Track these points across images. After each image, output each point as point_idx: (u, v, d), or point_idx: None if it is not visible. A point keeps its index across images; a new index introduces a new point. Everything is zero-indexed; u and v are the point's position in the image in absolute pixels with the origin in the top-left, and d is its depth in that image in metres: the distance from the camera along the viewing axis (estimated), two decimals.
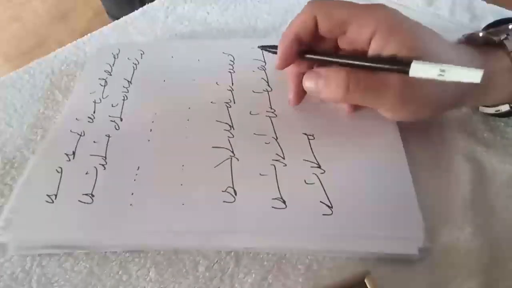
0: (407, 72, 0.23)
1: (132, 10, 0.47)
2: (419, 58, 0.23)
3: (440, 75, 0.22)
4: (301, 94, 0.31)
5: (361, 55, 0.26)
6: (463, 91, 0.26)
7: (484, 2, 0.43)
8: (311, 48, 0.28)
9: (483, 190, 0.27)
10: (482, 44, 0.27)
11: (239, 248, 0.25)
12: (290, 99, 0.31)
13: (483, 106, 0.30)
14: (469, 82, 0.22)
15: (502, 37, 0.26)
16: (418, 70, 0.23)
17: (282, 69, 0.29)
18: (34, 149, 0.33)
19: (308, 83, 0.28)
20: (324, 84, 0.26)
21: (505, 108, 0.28)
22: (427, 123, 0.31)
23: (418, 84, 0.24)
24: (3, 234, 0.26)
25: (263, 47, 0.32)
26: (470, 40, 0.28)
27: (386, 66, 0.24)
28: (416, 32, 0.25)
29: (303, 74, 0.29)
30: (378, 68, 0.25)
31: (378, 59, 0.25)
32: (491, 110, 0.29)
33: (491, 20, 0.31)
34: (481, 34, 0.27)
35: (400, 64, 0.24)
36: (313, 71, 0.28)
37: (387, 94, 0.25)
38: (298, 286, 0.23)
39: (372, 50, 0.25)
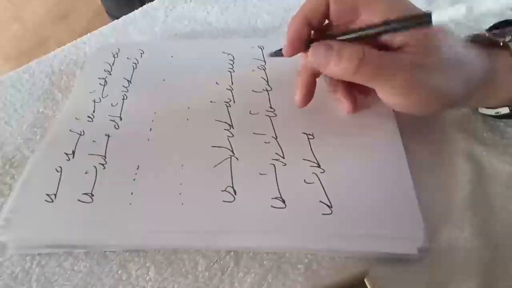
0: (430, 22, 0.22)
1: (132, 9, 0.47)
2: (432, 41, 0.23)
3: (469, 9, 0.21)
4: (309, 95, 0.30)
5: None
6: (470, 88, 0.26)
7: None
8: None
9: (483, 190, 0.27)
10: (487, 45, 0.27)
11: (238, 247, 0.25)
12: (297, 101, 0.30)
13: (484, 107, 0.30)
14: None
15: (507, 38, 0.26)
16: (441, 15, 0.21)
17: (290, 55, 0.28)
18: (33, 148, 0.33)
19: (316, 55, 0.25)
20: (336, 56, 0.24)
21: (504, 110, 0.28)
22: (428, 123, 0.31)
23: (429, 70, 0.24)
24: (2, 233, 0.26)
25: (274, 54, 0.30)
26: (474, 41, 0.28)
27: (408, 23, 0.23)
28: None
29: (313, 75, 0.28)
30: (400, 28, 0.23)
31: (397, 20, 0.24)
32: (491, 112, 0.29)
33: (490, 20, 0.31)
34: (485, 35, 0.27)
35: (420, 18, 0.22)
36: (323, 42, 0.26)
37: (398, 74, 0.24)
38: (297, 286, 0.23)
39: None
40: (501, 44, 0.26)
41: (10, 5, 1.57)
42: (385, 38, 0.25)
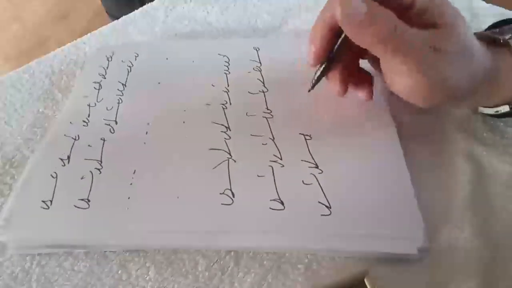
0: None
1: (132, 9, 0.47)
2: (458, 27, 0.23)
3: None
4: (323, 51, 0.27)
5: None
6: (476, 84, 0.25)
7: (484, 2, 0.43)
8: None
9: (483, 190, 0.27)
10: (487, 43, 0.27)
11: (238, 248, 0.25)
12: (309, 58, 0.28)
13: (484, 107, 0.30)
14: None
15: (507, 36, 0.26)
16: None
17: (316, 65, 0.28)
18: (33, 148, 0.33)
19: (347, 14, 0.23)
20: (369, 20, 0.23)
21: (504, 109, 0.28)
22: (428, 123, 0.31)
23: (444, 57, 0.23)
24: (2, 233, 0.26)
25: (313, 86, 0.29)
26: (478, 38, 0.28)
27: None
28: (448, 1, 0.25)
29: (331, 31, 0.26)
30: None
31: None
32: (491, 111, 0.29)
33: (490, 20, 0.31)
34: (486, 33, 0.27)
35: None
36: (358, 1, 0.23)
37: (412, 53, 0.23)
38: (297, 286, 0.23)
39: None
40: (501, 41, 0.27)
41: (10, 5, 1.58)
42: (421, 8, 0.24)
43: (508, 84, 0.27)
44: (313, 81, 0.29)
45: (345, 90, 0.30)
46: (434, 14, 0.24)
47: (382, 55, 0.25)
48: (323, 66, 0.28)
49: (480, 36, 0.28)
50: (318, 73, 0.28)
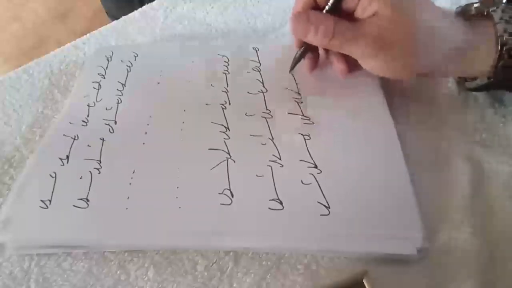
0: None
1: (131, 10, 0.47)
2: (401, 10, 0.25)
3: None
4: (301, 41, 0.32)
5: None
6: (449, 56, 0.27)
7: None
8: None
9: (482, 190, 0.27)
10: (475, 14, 0.28)
11: (237, 248, 0.25)
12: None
13: (465, 78, 0.31)
14: None
15: (492, 8, 0.27)
16: None
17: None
18: (32, 148, 0.33)
19: (296, 29, 0.29)
20: (313, 31, 0.28)
21: (483, 81, 0.29)
22: (427, 123, 0.31)
23: (394, 38, 0.26)
24: (1, 234, 0.26)
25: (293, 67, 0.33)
26: (464, 11, 0.29)
27: None
28: None
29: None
30: None
31: None
32: (473, 85, 0.30)
33: None
34: (475, 5, 0.28)
35: None
36: (302, 16, 0.29)
37: (362, 41, 0.27)
38: (296, 286, 0.23)
39: (359, 8, 0.27)
40: (485, 13, 0.27)
41: (10, 5, 1.57)
42: (362, 7, 0.27)
43: (486, 54, 0.27)
44: (293, 61, 0.33)
45: (347, 69, 0.32)
46: (386, 10, 0.26)
47: (338, 50, 0.29)
48: (301, 49, 0.32)
49: (466, 9, 0.29)
50: (297, 55, 0.32)
